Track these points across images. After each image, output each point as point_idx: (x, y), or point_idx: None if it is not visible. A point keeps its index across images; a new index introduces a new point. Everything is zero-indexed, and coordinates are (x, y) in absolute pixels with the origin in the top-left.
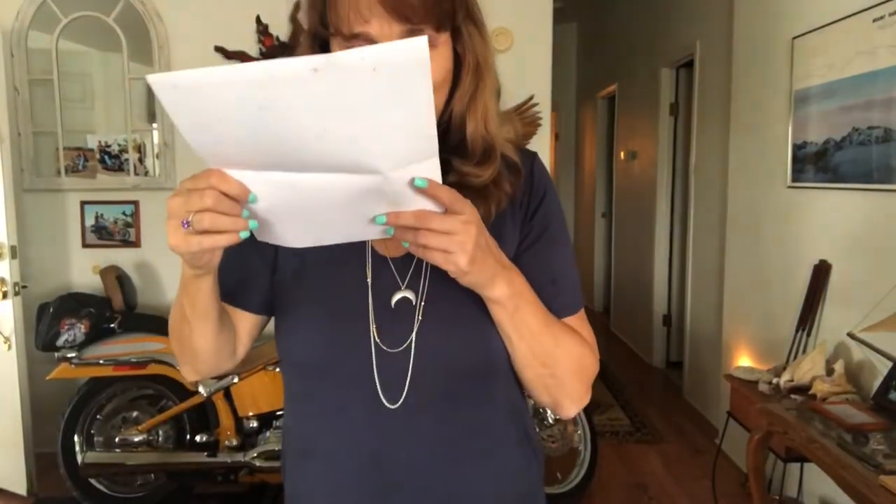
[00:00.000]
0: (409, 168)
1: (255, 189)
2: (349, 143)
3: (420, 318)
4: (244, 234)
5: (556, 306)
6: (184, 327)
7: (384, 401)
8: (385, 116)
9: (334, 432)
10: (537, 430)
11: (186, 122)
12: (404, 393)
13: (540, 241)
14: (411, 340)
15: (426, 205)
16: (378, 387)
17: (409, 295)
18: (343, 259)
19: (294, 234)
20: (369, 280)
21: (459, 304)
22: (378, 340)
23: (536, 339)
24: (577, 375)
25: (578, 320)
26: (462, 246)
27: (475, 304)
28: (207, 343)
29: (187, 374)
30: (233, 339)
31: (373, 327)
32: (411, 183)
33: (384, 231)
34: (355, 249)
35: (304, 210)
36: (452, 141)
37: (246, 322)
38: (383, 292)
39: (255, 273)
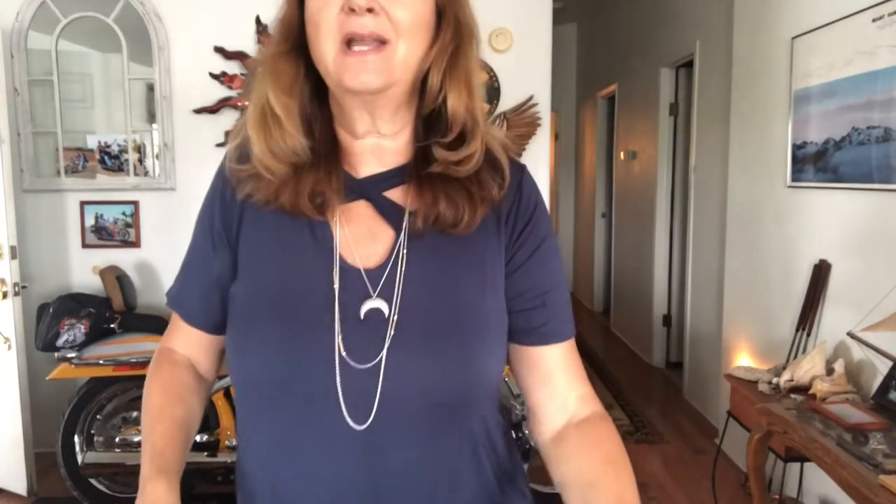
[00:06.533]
0: None
1: None
2: None
3: (392, 332)
4: None
5: (546, 331)
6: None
7: (349, 421)
8: None
9: (292, 459)
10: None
11: None
12: (372, 414)
13: (531, 259)
14: (382, 357)
15: None
16: (343, 406)
17: (382, 305)
18: (306, 266)
19: None
20: (336, 287)
21: (439, 317)
22: (344, 354)
23: None
24: None
25: (570, 351)
26: None
27: (457, 317)
28: None
29: None
30: (200, 404)
31: (338, 339)
32: None
33: None
34: (321, 256)
35: None
36: (427, 108)
37: (209, 343)
38: (352, 302)
39: (212, 287)
